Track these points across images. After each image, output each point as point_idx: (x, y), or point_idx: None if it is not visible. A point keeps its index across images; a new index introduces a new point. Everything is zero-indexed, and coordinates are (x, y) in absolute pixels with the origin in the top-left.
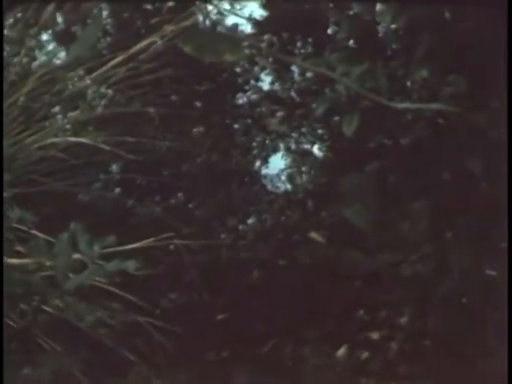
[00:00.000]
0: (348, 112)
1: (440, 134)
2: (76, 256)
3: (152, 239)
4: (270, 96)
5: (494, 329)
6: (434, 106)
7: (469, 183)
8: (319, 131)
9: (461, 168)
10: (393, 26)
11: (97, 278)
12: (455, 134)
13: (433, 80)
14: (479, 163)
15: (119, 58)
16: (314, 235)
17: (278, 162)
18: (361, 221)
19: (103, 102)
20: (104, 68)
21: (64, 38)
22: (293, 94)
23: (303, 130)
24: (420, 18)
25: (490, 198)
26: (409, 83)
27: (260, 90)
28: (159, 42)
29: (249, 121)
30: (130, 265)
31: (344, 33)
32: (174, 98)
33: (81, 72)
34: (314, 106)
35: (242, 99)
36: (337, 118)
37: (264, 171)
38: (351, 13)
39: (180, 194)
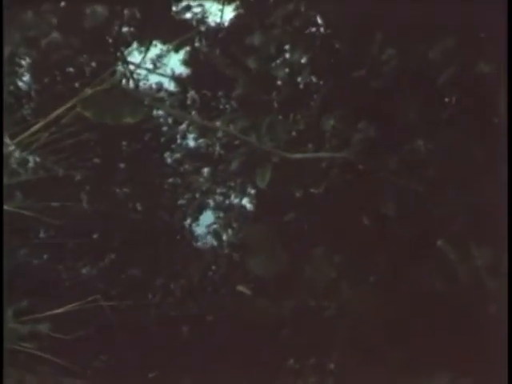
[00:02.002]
0: (260, 166)
1: (352, 181)
2: None
3: (77, 303)
4: (195, 153)
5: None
6: (325, 154)
7: (382, 226)
8: (239, 185)
9: (375, 212)
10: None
11: (25, 344)
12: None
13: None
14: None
15: (41, 123)
16: (241, 288)
17: (208, 218)
18: (265, 271)
19: (27, 167)
20: (27, 133)
21: None
22: (217, 149)
23: (226, 185)
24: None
25: (402, 239)
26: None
27: (186, 147)
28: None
29: (175, 179)
30: (43, 328)
31: (241, 89)
32: (96, 160)
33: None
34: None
35: (168, 158)
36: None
37: (193, 228)
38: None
39: (108, 256)
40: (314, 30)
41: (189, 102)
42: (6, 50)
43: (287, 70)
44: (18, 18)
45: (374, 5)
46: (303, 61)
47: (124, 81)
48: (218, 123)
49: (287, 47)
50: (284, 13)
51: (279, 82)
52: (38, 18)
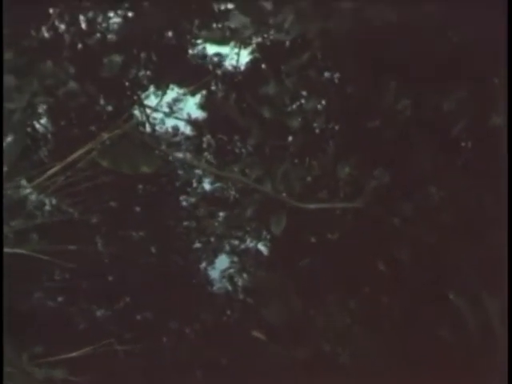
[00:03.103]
0: (275, 213)
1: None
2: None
3: (91, 347)
4: (210, 197)
5: None
6: (339, 205)
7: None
8: (254, 230)
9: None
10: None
11: None
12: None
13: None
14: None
15: (58, 167)
16: (256, 333)
17: (223, 262)
18: (278, 317)
19: (44, 210)
20: (43, 176)
21: None
22: (233, 193)
23: (241, 229)
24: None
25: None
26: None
27: (201, 190)
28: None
29: (190, 222)
30: (58, 373)
31: (255, 138)
32: (112, 203)
33: (23, 181)
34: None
35: (184, 201)
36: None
37: (208, 272)
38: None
39: (122, 299)
40: (329, 77)
41: (204, 145)
42: (24, 98)
43: (301, 118)
44: (37, 67)
45: (387, 54)
46: (318, 107)
47: (141, 124)
48: (234, 168)
49: (302, 94)
50: (300, 62)
51: (294, 129)
52: (56, 68)
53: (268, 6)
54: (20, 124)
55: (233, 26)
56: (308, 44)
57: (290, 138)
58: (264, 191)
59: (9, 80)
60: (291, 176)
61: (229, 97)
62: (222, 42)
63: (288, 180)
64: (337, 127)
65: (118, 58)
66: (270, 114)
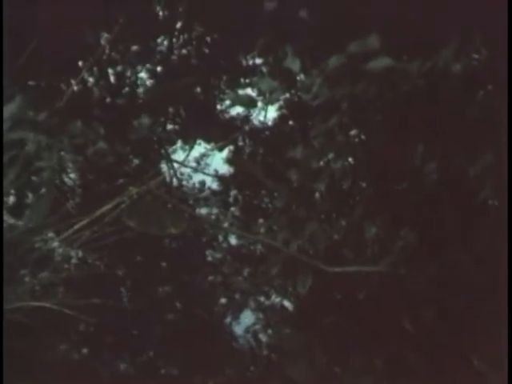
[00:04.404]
0: (301, 273)
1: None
2: None
3: None
4: (236, 252)
5: None
6: (365, 268)
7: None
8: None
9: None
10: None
11: None
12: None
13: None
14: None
15: (85, 221)
16: None
17: (247, 318)
18: (303, 376)
19: (71, 264)
20: (70, 230)
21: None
22: (259, 247)
23: (267, 286)
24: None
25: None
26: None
27: (228, 245)
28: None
29: (216, 277)
30: None
31: (281, 201)
32: (138, 258)
33: (51, 234)
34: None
35: (210, 256)
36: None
37: (232, 327)
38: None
39: (146, 353)
40: (356, 138)
41: (231, 200)
42: (54, 156)
43: (328, 179)
44: (68, 126)
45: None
46: (345, 168)
47: (168, 179)
48: (260, 226)
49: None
50: (327, 125)
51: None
52: (85, 127)
53: (296, 67)
54: (49, 181)
55: (261, 89)
56: (336, 106)
57: (317, 196)
58: (290, 252)
59: (40, 140)
60: (317, 237)
61: (256, 152)
62: (249, 104)
63: (314, 241)
64: (364, 187)
65: (147, 120)
66: (297, 177)
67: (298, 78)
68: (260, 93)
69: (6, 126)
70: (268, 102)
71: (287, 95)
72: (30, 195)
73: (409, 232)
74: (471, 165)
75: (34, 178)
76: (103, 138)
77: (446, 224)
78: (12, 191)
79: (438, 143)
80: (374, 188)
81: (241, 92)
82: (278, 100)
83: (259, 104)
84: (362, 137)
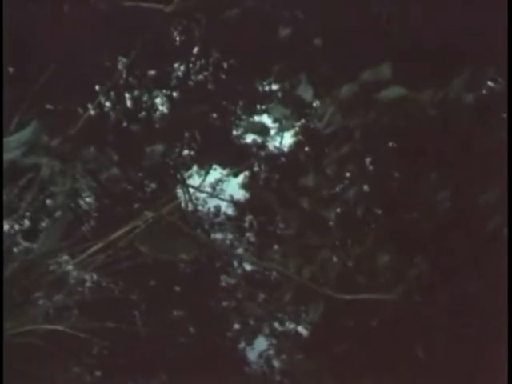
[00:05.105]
0: (313, 300)
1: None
2: None
3: None
4: (250, 277)
5: None
6: (376, 296)
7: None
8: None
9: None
10: None
11: None
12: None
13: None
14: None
15: (99, 245)
16: None
17: (261, 343)
18: None
19: (85, 287)
20: (85, 254)
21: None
22: (274, 273)
23: (281, 312)
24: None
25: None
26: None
27: (242, 270)
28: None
29: (230, 303)
30: None
31: (294, 228)
32: (152, 282)
33: (65, 257)
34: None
35: (224, 282)
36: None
37: (245, 353)
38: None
39: (159, 377)
40: (369, 166)
41: (246, 225)
42: (68, 182)
43: (340, 206)
44: (81, 152)
45: (426, 145)
46: (358, 196)
47: (183, 204)
48: (275, 252)
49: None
50: (339, 154)
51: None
52: (99, 153)
53: (308, 96)
54: (63, 205)
55: (274, 117)
56: (349, 134)
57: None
58: (302, 280)
59: (54, 165)
60: (329, 265)
61: (271, 179)
62: (261, 132)
63: (326, 269)
64: (377, 215)
65: (160, 147)
66: (309, 205)
67: (312, 105)
68: (276, 119)
69: (21, 151)
70: (282, 129)
71: (303, 121)
72: (46, 219)
73: (422, 260)
74: (483, 193)
75: (48, 201)
76: (117, 164)
77: (457, 252)
78: (27, 214)
79: (450, 172)
80: (387, 216)
81: (256, 118)
82: (292, 127)
83: (272, 132)
84: (375, 165)
